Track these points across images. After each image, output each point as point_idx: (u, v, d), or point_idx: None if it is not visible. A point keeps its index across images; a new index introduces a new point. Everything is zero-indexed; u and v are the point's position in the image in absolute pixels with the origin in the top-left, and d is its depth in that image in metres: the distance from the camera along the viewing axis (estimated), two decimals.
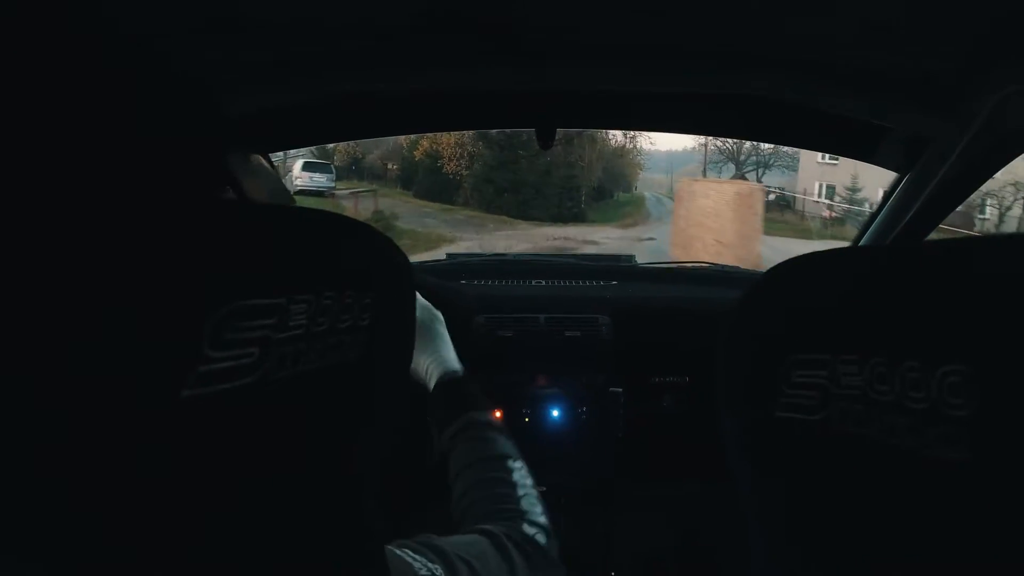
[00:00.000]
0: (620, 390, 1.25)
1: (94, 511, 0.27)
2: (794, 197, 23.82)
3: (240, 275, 0.32)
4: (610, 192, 23.07)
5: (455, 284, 1.42)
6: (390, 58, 0.86)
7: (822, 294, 0.37)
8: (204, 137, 0.41)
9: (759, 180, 25.96)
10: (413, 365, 0.84)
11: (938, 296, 0.29)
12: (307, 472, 0.39)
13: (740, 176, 25.79)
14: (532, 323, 1.29)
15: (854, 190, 19.48)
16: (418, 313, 0.88)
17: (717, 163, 27.47)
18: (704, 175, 27.63)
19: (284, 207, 0.39)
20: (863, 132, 1.01)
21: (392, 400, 0.48)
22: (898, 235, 1.07)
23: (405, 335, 0.48)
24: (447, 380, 0.84)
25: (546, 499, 1.22)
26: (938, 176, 0.93)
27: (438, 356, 0.87)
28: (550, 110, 1.10)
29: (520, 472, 0.72)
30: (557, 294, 1.43)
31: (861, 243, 1.20)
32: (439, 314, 0.94)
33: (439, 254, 1.69)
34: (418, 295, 0.91)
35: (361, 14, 0.72)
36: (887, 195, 1.10)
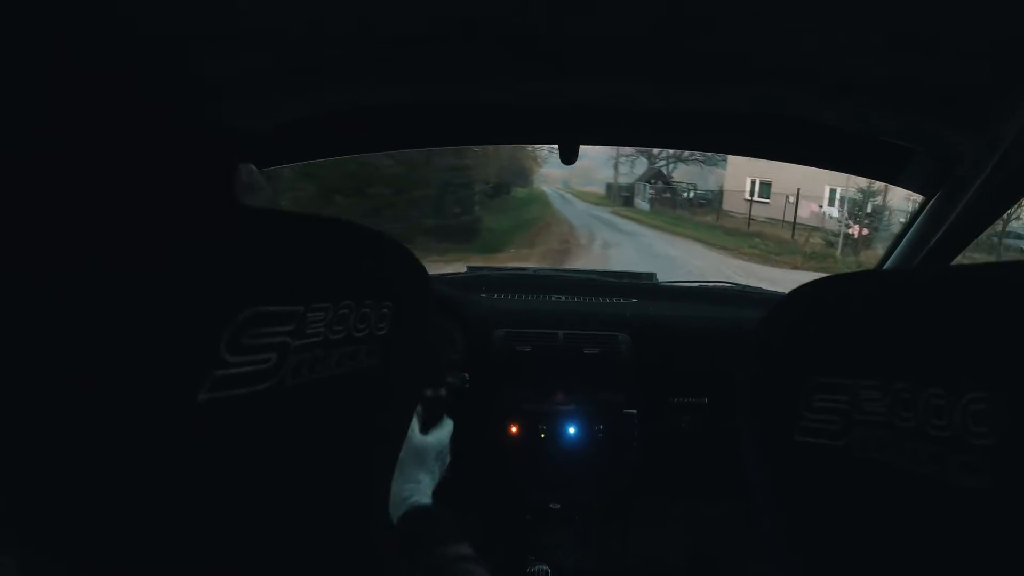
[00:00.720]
0: (634, 411, 1.24)
1: (109, 509, 0.28)
2: (720, 194, 20.81)
3: (259, 282, 0.32)
4: (507, 187, 19.16)
5: (474, 297, 1.43)
6: (408, 71, 0.87)
7: (845, 317, 0.37)
8: (220, 145, 0.42)
9: (670, 174, 23.73)
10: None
11: (965, 322, 0.29)
12: (321, 478, 0.39)
13: (655, 172, 23.66)
14: (551, 339, 1.29)
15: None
16: (433, 443, 0.86)
17: (630, 156, 25.62)
18: (616, 170, 25.38)
19: (304, 216, 0.39)
20: (888, 153, 1.00)
21: (409, 408, 0.48)
22: (924, 258, 1.05)
23: (422, 344, 0.49)
24: (419, 512, 0.79)
25: (560, 516, 1.22)
26: (965, 198, 0.92)
27: (419, 491, 0.82)
28: (573, 125, 1.10)
29: None
30: (577, 310, 1.42)
31: (886, 266, 1.18)
32: (448, 459, 0.90)
33: None
34: (450, 428, 0.90)
35: (377, 26, 0.73)
36: (913, 217, 1.08)
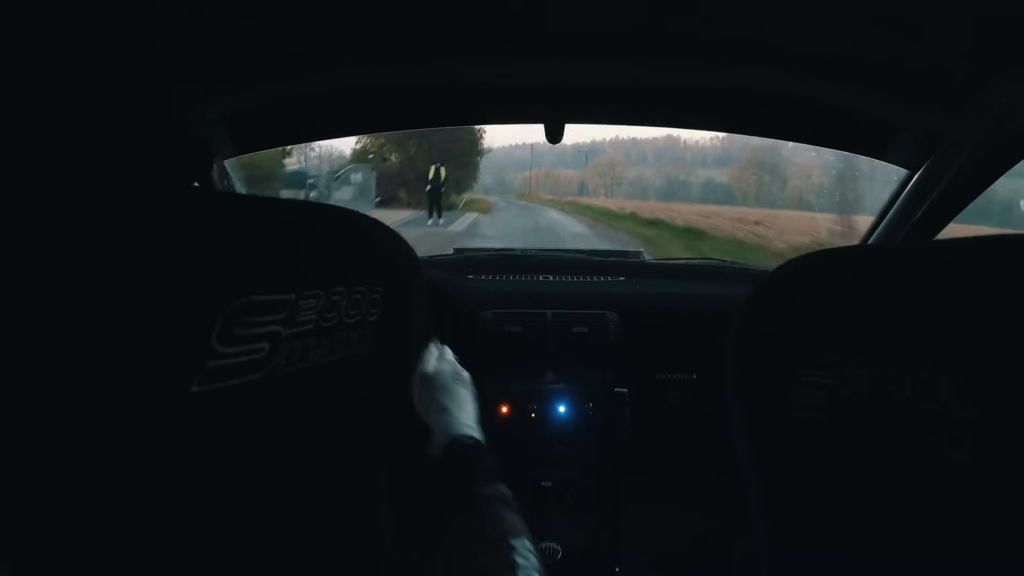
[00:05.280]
0: (625, 390, 1.25)
1: (104, 502, 0.28)
2: None
3: (249, 271, 0.32)
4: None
5: (462, 279, 1.42)
6: (395, 50, 0.86)
7: (831, 293, 0.37)
8: (199, 136, 0.41)
9: None
10: (431, 425, 0.78)
11: (949, 296, 0.29)
12: (317, 465, 0.39)
13: None
14: (539, 319, 1.29)
15: None
16: (446, 367, 0.86)
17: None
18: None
19: (294, 202, 0.39)
20: (874, 129, 1.00)
21: (401, 392, 0.48)
22: (908, 234, 1.06)
23: (412, 329, 0.48)
24: (458, 447, 0.75)
25: (551, 495, 1.23)
26: (949, 174, 0.92)
27: (454, 419, 0.79)
28: (559, 104, 1.09)
29: (523, 554, 0.65)
30: (565, 290, 1.42)
31: (870, 242, 1.19)
32: (466, 376, 0.89)
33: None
34: (451, 354, 0.90)
35: (360, 7, 0.71)
36: (896, 193, 1.09)
